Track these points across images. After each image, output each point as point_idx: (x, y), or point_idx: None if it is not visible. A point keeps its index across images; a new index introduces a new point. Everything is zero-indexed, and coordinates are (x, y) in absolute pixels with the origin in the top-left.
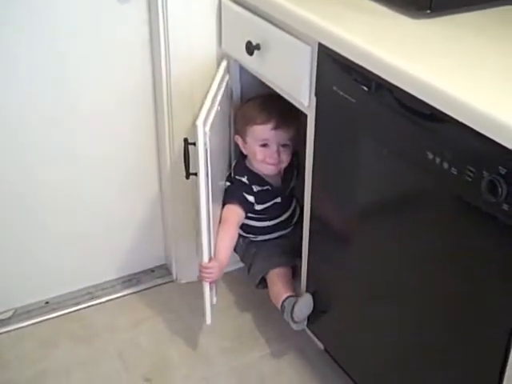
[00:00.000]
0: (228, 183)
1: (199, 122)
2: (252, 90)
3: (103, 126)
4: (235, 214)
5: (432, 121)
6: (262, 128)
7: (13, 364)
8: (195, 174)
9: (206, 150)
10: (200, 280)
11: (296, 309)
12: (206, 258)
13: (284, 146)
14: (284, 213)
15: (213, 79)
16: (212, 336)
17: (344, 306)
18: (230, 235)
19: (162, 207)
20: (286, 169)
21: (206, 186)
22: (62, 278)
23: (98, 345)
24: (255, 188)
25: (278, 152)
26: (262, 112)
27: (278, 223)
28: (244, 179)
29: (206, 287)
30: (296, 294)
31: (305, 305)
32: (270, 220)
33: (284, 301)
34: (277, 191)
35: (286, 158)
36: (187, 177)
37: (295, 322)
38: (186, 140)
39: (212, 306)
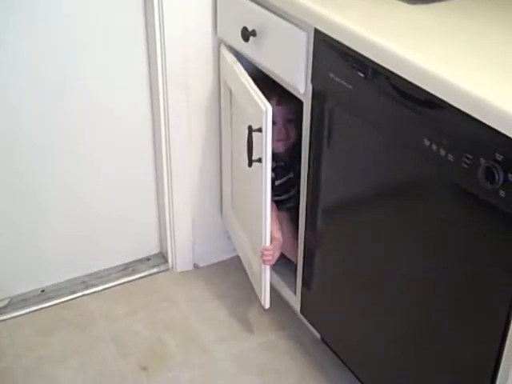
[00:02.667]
0: None
1: (269, 108)
2: None
3: (97, 114)
4: None
5: (429, 107)
6: None
7: (9, 352)
8: (258, 161)
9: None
10: (262, 263)
11: None
12: (268, 242)
13: (289, 121)
14: (292, 189)
15: (234, 72)
16: (209, 324)
17: (340, 294)
18: (274, 213)
19: (157, 196)
20: (294, 146)
21: (270, 170)
22: (57, 267)
23: (94, 333)
24: (272, 164)
25: (285, 127)
26: (263, 91)
27: (284, 199)
28: None
29: (267, 271)
30: None
31: None
32: (280, 195)
33: None
34: (290, 167)
35: (292, 133)
36: (250, 164)
37: None
38: (250, 127)
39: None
